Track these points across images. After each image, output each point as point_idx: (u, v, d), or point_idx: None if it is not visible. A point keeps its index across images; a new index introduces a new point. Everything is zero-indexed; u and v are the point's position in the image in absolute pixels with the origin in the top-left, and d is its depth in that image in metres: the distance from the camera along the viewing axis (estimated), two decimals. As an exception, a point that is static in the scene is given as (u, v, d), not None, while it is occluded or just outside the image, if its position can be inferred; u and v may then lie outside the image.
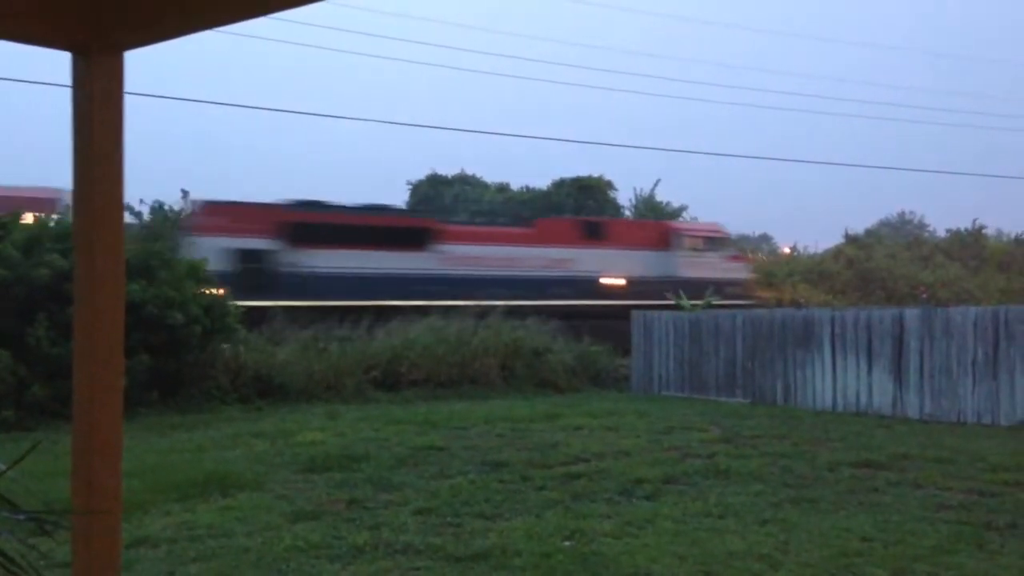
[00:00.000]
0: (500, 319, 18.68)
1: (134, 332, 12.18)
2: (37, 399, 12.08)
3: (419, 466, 9.19)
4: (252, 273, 19.77)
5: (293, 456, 9.68)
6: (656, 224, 26.98)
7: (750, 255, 29.47)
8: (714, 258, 26.37)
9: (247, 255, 20.09)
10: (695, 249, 26.10)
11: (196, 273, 14.76)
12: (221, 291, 16.91)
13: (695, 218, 41.13)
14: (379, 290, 20.64)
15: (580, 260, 24.08)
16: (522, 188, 43.86)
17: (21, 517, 1.79)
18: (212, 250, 18.95)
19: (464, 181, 43.39)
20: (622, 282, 24.26)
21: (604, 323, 21.40)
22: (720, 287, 24.91)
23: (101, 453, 2.13)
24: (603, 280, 24.25)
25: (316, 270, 20.46)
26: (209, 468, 8.80)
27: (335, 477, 8.60)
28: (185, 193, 22.40)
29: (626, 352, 19.04)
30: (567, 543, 6.38)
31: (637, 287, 23.87)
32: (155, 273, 13.88)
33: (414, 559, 5.99)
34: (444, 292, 21.05)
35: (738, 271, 27.42)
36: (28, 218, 15.88)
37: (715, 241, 27.16)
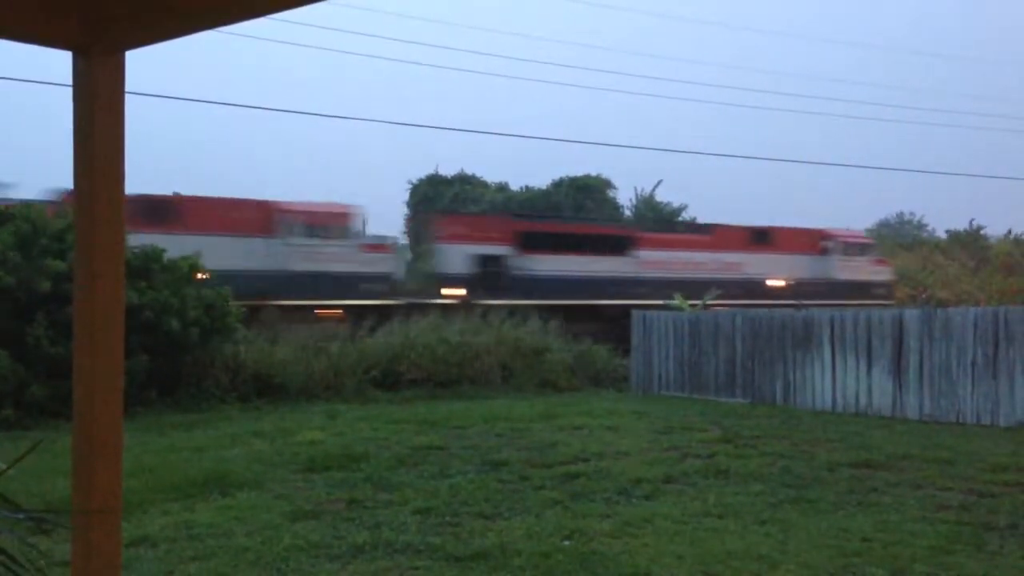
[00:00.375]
0: (501, 319, 18.74)
1: (131, 334, 12.18)
2: (36, 399, 12.09)
3: (418, 466, 9.19)
4: (489, 276, 22.86)
5: (292, 456, 9.68)
6: (814, 231, 29.45)
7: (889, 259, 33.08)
8: (863, 262, 29.11)
9: (485, 260, 23.16)
10: (846, 254, 28.80)
11: (195, 273, 14.72)
12: (464, 291, 21.43)
13: (694, 218, 41.21)
14: (589, 291, 23.27)
15: (749, 264, 26.89)
16: (521, 188, 43.91)
17: (21, 516, 1.80)
18: (456, 256, 22.86)
19: (464, 181, 43.43)
20: (784, 283, 27.05)
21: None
22: (869, 288, 27.79)
23: (101, 453, 2.13)
24: (768, 282, 26.94)
25: (540, 273, 23.33)
26: (208, 467, 8.81)
27: (335, 477, 8.60)
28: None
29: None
30: (566, 543, 6.38)
31: (797, 288, 26.67)
32: (154, 276, 13.86)
33: (413, 558, 5.99)
34: (641, 293, 23.48)
35: (883, 274, 30.13)
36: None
37: (864, 247, 30.01)
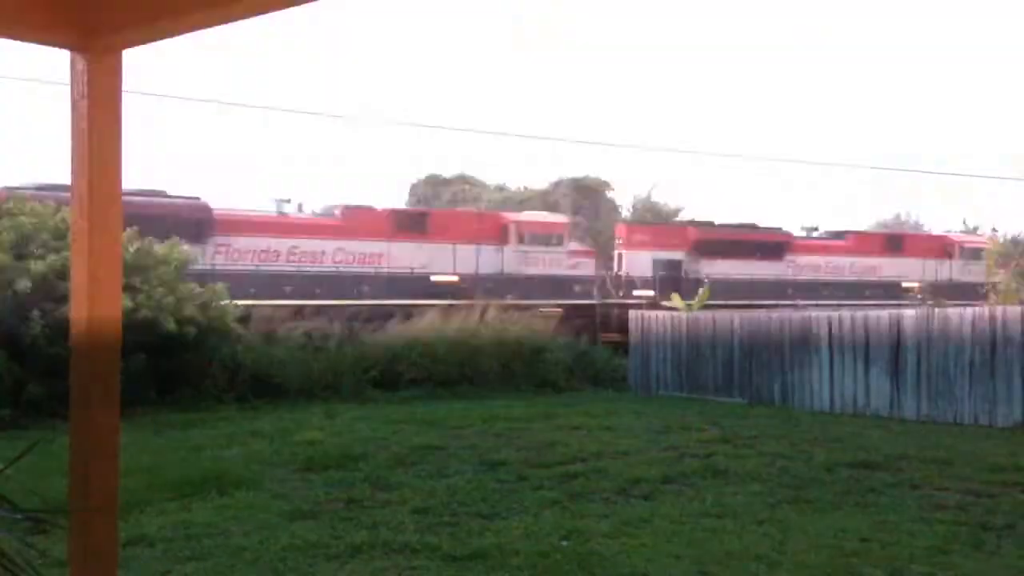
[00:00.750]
0: (501, 319, 18.75)
1: (127, 333, 12.14)
2: (33, 398, 12.05)
3: (417, 465, 9.19)
4: (670, 279, 25.45)
5: (291, 455, 9.68)
6: (941, 237, 32.46)
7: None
8: (983, 266, 32.20)
9: (666, 265, 26.08)
10: (965, 257, 31.72)
11: (184, 268, 14.64)
12: (653, 293, 24.82)
13: (692, 218, 41.23)
14: (753, 292, 25.63)
15: (885, 268, 29.53)
16: (520, 188, 43.92)
17: (19, 516, 1.80)
18: (641, 261, 26.07)
19: (463, 181, 43.44)
20: (916, 285, 29.82)
21: None
22: (985, 289, 30.87)
23: (98, 452, 2.13)
24: (903, 284, 29.62)
25: (711, 276, 25.91)
26: (206, 467, 8.80)
27: (333, 476, 8.60)
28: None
29: None
30: (564, 543, 6.39)
31: (927, 290, 29.59)
32: (150, 272, 13.79)
33: (411, 558, 5.99)
34: (794, 294, 25.88)
35: (996, 275, 33.24)
36: None
37: (979, 251, 32.73)
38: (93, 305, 2.10)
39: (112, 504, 2.14)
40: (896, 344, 13.85)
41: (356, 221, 22.04)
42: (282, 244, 20.59)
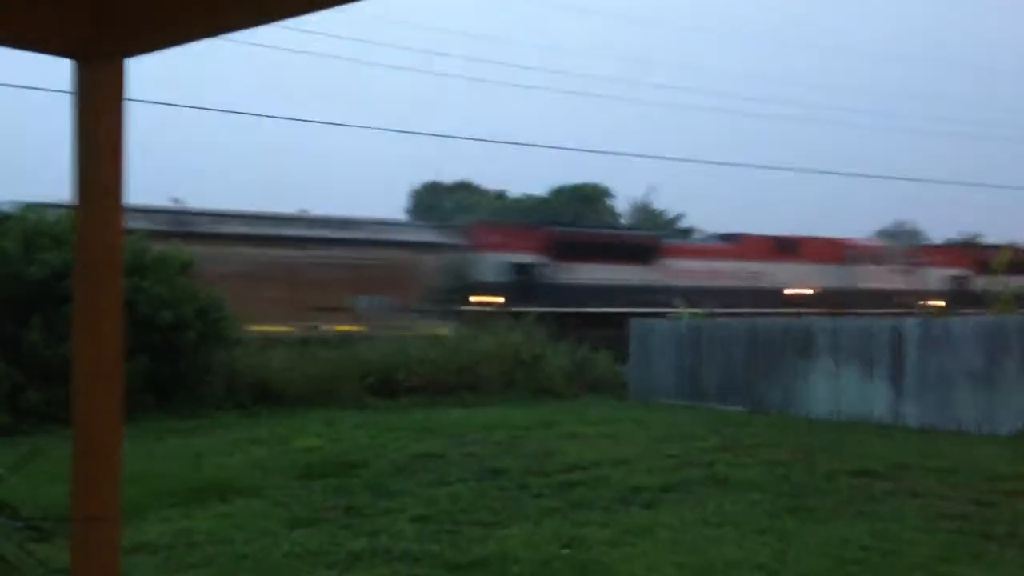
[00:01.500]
0: (500, 325, 18.71)
1: (128, 325, 12.14)
2: (32, 404, 12.02)
3: (417, 473, 9.18)
4: (959, 293, 30.81)
5: (291, 462, 9.67)
6: None
7: None
8: None
9: (956, 280, 32.17)
10: None
11: (186, 269, 14.65)
12: (943, 303, 29.58)
13: (690, 226, 41.24)
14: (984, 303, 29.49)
15: None
16: (521, 196, 43.98)
17: (20, 523, 1.80)
18: (939, 278, 31.92)
19: (463, 188, 43.50)
20: None
21: None
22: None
23: (100, 459, 2.13)
24: None
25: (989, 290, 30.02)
26: (207, 474, 8.79)
27: (333, 484, 8.59)
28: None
29: None
30: (565, 551, 6.38)
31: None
32: (147, 270, 13.80)
33: (412, 566, 5.98)
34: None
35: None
36: None
37: None
38: (95, 315, 2.11)
39: (114, 511, 2.14)
40: (898, 352, 13.84)
41: (747, 246, 28.66)
42: (704, 265, 26.68)
